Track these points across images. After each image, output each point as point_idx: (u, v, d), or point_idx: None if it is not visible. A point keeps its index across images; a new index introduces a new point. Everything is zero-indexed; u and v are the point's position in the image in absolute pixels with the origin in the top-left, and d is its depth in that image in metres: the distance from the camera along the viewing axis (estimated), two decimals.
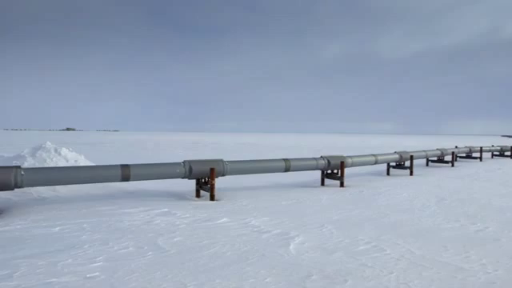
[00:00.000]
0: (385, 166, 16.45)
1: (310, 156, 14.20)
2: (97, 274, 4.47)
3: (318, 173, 12.95)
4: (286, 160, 11.63)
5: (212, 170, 9.56)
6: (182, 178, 9.67)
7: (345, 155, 13.38)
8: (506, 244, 5.97)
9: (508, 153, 27.80)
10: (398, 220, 7.52)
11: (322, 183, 12.56)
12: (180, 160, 10.27)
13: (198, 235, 6.20)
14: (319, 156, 12.75)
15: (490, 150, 27.07)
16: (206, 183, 9.89)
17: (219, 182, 10.43)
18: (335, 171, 12.67)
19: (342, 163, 12.41)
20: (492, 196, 10.57)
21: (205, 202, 9.20)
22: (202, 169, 9.70)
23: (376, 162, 15.17)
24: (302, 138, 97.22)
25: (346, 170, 12.90)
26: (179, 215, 7.63)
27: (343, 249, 5.59)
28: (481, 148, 25.30)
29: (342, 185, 12.17)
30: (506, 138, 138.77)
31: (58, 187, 9.95)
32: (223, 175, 10.27)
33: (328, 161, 12.36)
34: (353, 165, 13.72)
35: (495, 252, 5.54)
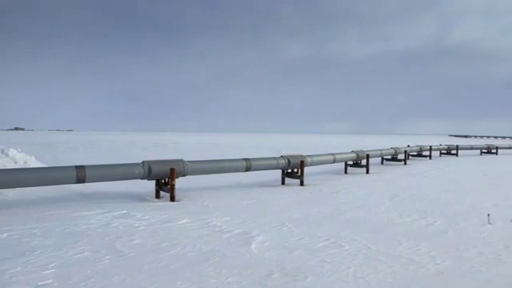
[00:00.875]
0: (343, 164, 16.97)
1: (271, 155, 14.36)
2: (49, 281, 4.26)
3: (279, 172, 13.13)
4: (246, 160, 11.68)
5: (172, 170, 9.40)
6: (141, 178, 9.43)
7: (304, 155, 13.67)
8: (453, 236, 6.39)
9: (454, 151, 29.66)
10: (356, 217, 7.81)
11: (283, 182, 12.74)
12: (139, 160, 10.00)
13: (158, 237, 6.08)
14: (280, 155, 12.93)
15: (438, 149, 28.73)
16: (165, 184, 9.71)
17: (180, 183, 10.27)
18: (295, 170, 12.91)
19: (302, 162, 12.67)
20: (440, 192, 11.25)
21: (165, 203, 9.03)
22: (161, 169, 9.51)
23: (334, 161, 15.63)
24: (264, 137, 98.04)
25: (306, 169, 13.17)
26: (138, 217, 7.44)
27: (303, 246, 5.71)
28: (430, 147, 26.80)
29: (301, 184, 12.42)
30: (452, 137, 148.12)
31: (5, 191, 9.33)
32: (184, 175, 10.14)
33: (288, 160, 12.56)
34: (312, 164, 14.05)
35: (443, 244, 5.91)
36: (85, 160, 18.63)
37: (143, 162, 9.44)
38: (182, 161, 10.10)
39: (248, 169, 11.65)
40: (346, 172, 16.53)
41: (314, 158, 14.16)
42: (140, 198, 9.66)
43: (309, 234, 6.36)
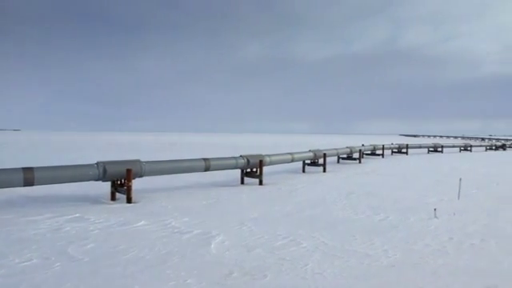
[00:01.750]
0: (301, 163, 17.32)
1: (231, 155, 14.35)
2: None
3: (238, 172, 13.15)
4: (205, 159, 11.59)
5: (128, 171, 9.12)
6: (96, 180, 9.06)
7: (263, 154, 13.79)
8: (403, 230, 6.74)
9: (404, 150, 31.27)
10: (313, 214, 8.01)
11: (242, 182, 12.78)
12: (93, 161, 9.60)
13: (113, 240, 5.88)
14: (239, 155, 12.96)
15: (390, 148, 30.15)
16: (122, 185, 9.40)
17: (137, 184, 9.98)
18: (254, 170, 12.99)
19: (261, 162, 12.78)
20: (392, 189, 11.82)
21: (121, 205, 8.74)
22: (117, 170, 9.20)
23: (292, 160, 15.92)
24: (225, 137, 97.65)
25: (265, 169, 13.31)
26: (92, 220, 7.14)
27: (262, 245, 5.77)
28: (383, 146, 28.08)
29: (260, 183, 12.52)
30: (403, 136, 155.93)
31: None
32: (141, 176, 9.87)
33: (247, 160, 12.62)
34: (271, 163, 14.21)
35: (394, 238, 6.23)
36: (33, 161, 17.55)
37: (98, 163, 9.08)
38: (138, 161, 9.83)
39: (207, 169, 11.57)
40: (303, 171, 16.88)
41: (273, 158, 14.34)
42: (94, 200, 9.28)
43: (268, 233, 6.43)
